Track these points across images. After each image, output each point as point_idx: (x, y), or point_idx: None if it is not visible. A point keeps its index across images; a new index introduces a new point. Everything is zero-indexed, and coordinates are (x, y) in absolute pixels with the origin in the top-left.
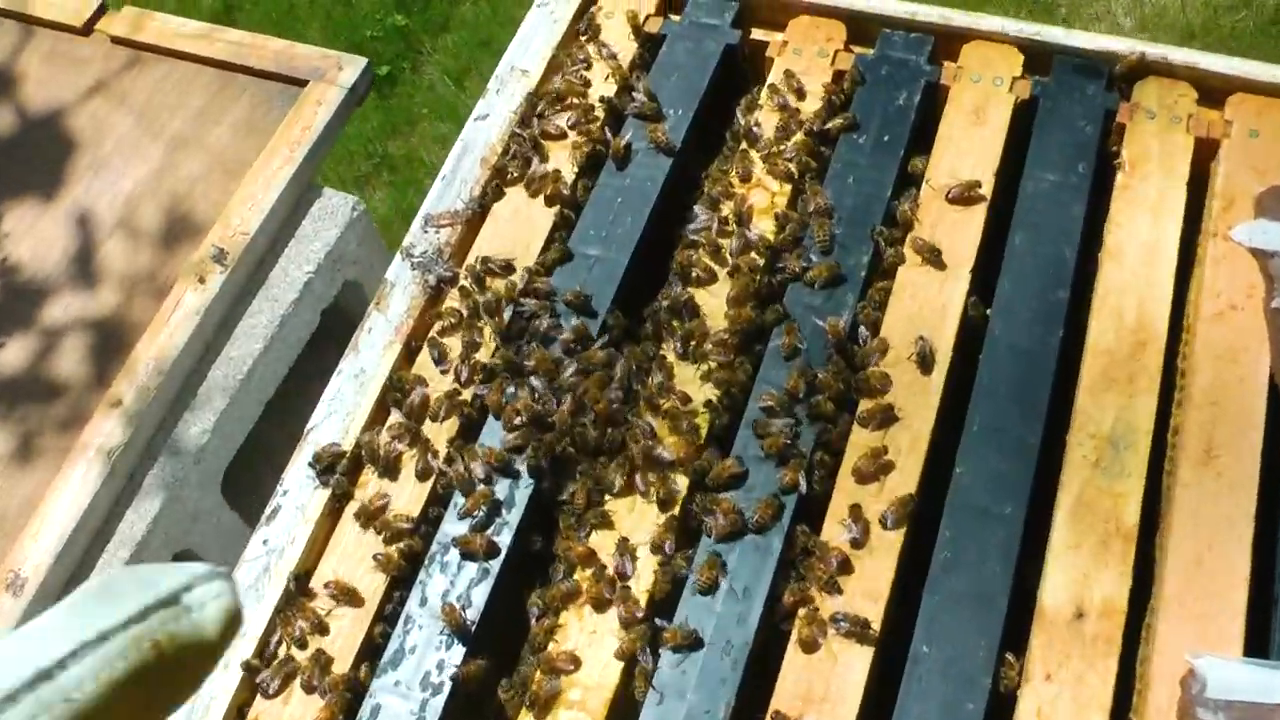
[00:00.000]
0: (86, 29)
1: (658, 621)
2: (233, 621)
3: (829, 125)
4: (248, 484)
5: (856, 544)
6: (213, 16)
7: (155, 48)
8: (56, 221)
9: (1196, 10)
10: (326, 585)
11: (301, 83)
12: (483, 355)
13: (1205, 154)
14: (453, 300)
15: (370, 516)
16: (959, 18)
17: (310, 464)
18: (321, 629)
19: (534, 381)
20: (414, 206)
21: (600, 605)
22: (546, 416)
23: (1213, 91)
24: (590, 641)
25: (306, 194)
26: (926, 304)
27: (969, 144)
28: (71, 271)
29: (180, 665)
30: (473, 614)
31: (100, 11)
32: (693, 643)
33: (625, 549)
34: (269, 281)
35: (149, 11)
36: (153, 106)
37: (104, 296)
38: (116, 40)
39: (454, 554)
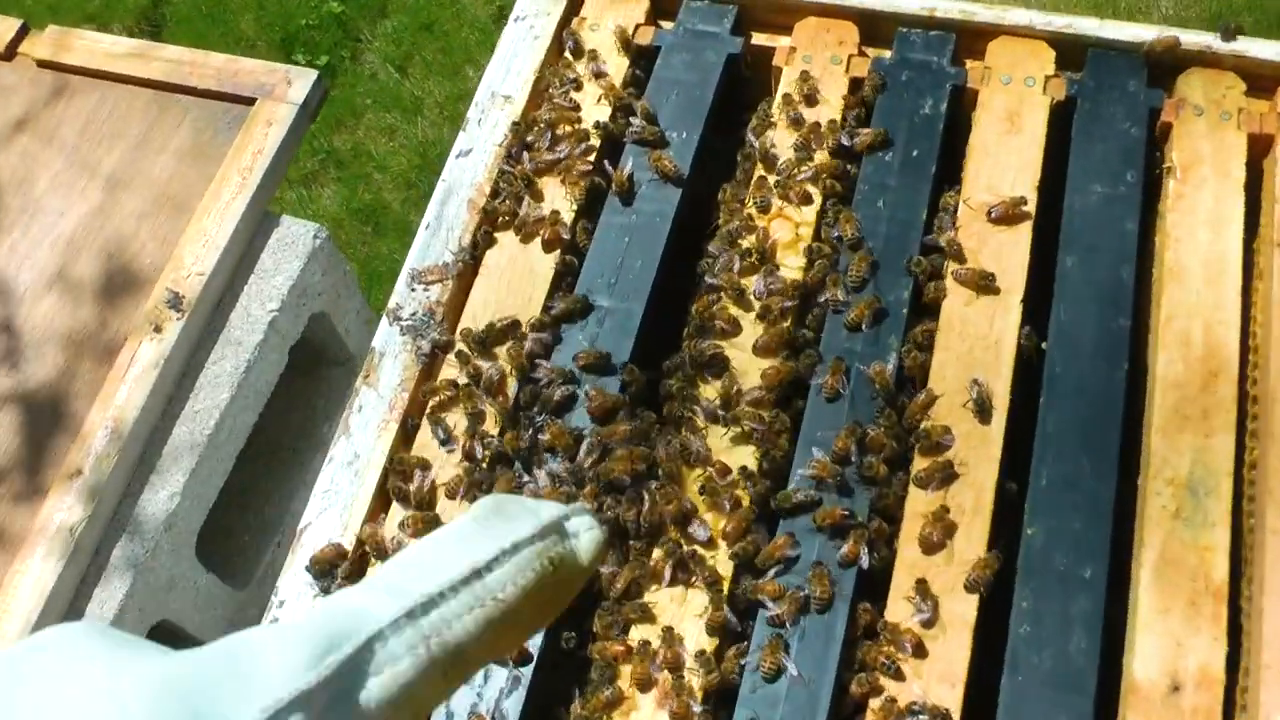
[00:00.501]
0: (9, 53)
1: None
2: (601, 551)
3: (855, 141)
4: (220, 538)
5: (928, 624)
6: (139, 11)
7: (85, 70)
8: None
9: None
10: None
11: (249, 101)
12: (490, 426)
13: (1258, 152)
14: (450, 368)
15: None
16: (982, 12)
17: (307, 568)
18: None
19: (552, 465)
20: (365, 203)
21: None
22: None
23: (1261, 80)
24: None
25: (264, 224)
26: (977, 341)
27: (1005, 155)
28: (8, 332)
29: (561, 583)
30: None
31: (23, 33)
32: None
33: (672, 641)
34: (230, 324)
35: (75, 30)
36: (87, 138)
37: (49, 357)
38: (43, 64)
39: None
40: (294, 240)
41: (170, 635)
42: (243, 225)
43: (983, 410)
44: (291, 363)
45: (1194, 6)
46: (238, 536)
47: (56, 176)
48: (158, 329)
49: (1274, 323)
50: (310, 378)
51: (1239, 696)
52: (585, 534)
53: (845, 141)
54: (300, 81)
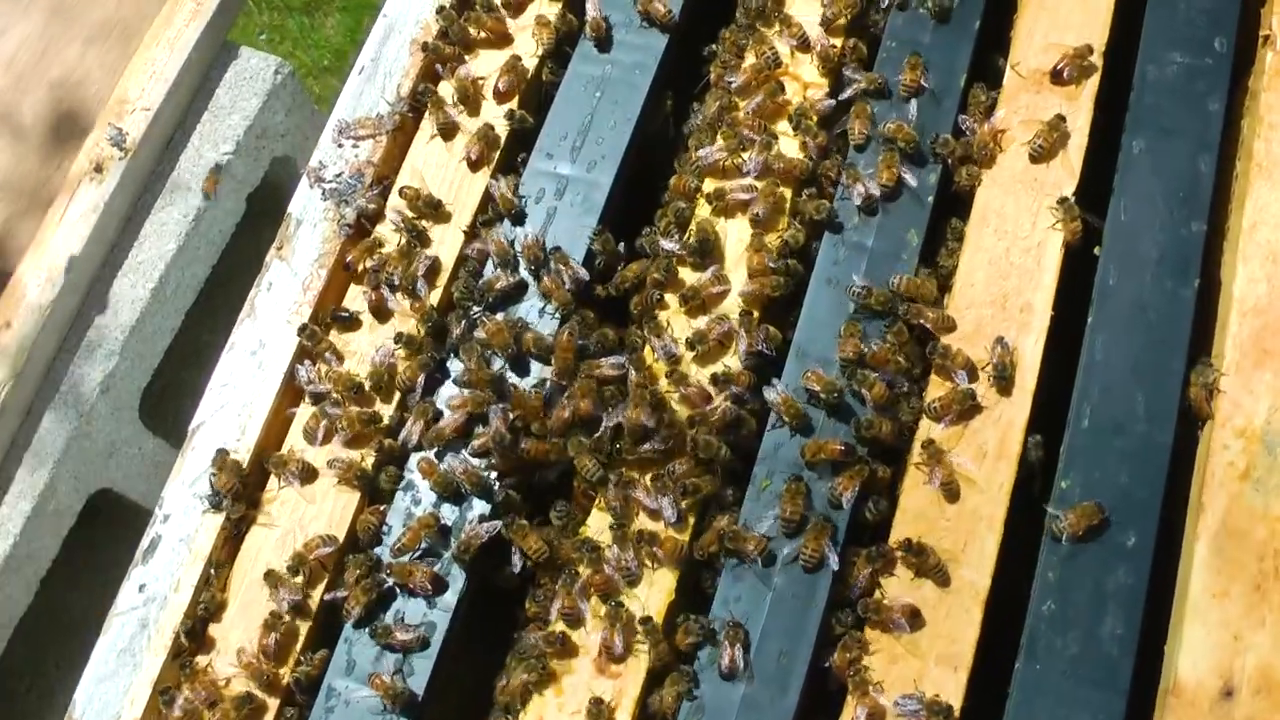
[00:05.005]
0: None
1: None
2: None
3: None
4: (172, 400)
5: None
6: None
7: None
8: None
9: None
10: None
11: None
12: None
13: None
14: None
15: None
16: None
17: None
18: (215, 704)
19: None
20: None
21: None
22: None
23: None
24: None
25: (220, 56)
26: (1016, 242)
27: (1065, 9)
28: None
29: None
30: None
31: None
32: None
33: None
34: (179, 167)
35: None
36: None
37: None
38: None
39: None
40: (253, 75)
41: (115, 505)
42: (196, 56)
43: (1003, 378)
44: (252, 211)
45: None
46: (194, 399)
47: None
48: (99, 169)
49: None
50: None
51: None
52: None
53: None
54: None
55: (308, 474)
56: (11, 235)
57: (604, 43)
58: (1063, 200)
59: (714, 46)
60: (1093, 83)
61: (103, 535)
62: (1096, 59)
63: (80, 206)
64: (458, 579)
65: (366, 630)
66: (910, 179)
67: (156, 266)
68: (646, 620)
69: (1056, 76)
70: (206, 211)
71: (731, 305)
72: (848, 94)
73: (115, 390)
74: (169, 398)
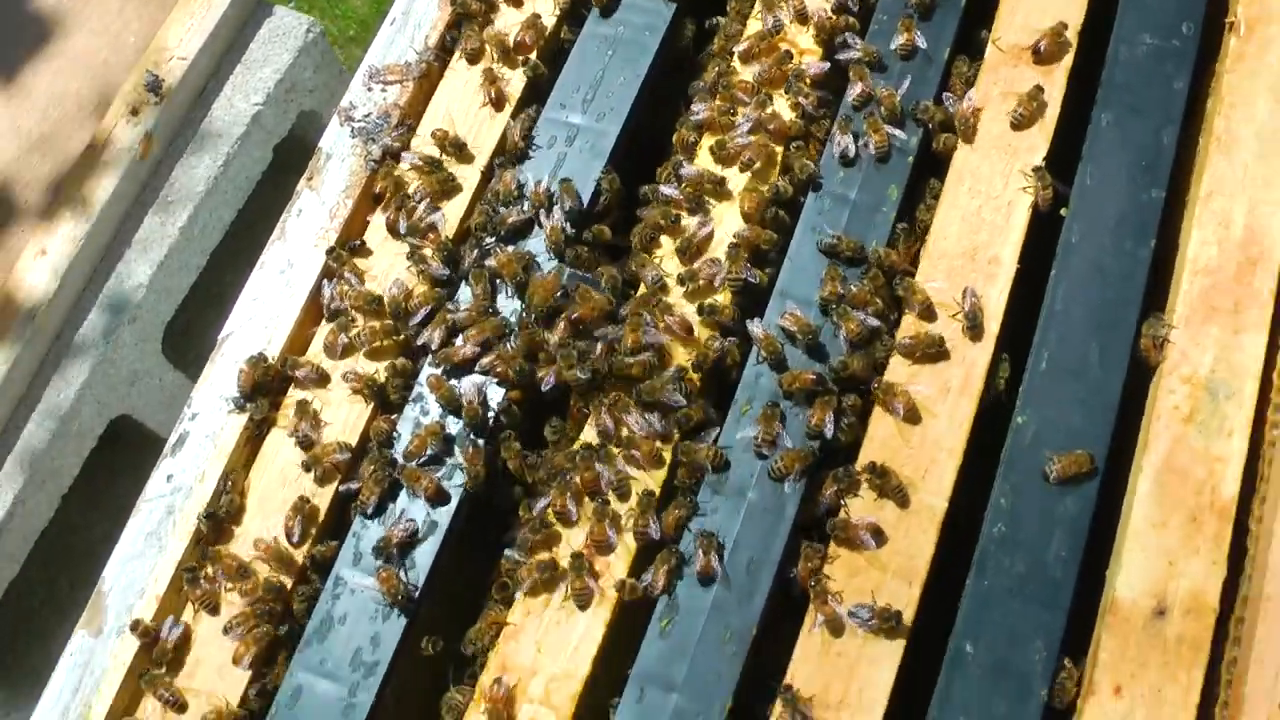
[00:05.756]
0: None
1: None
2: None
3: None
4: (196, 339)
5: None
6: None
7: None
8: None
9: None
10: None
11: None
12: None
13: None
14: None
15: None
16: None
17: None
18: (241, 574)
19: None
20: None
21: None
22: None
23: None
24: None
25: (255, 13)
26: (988, 200)
27: None
28: None
29: None
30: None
31: None
32: None
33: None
34: (211, 114)
35: None
36: None
37: (26, 125)
38: None
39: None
40: (286, 32)
41: (132, 430)
42: (232, 10)
43: (974, 326)
44: (279, 161)
45: None
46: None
47: None
48: (134, 112)
49: None
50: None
51: (1232, 628)
52: None
53: None
54: None
55: (324, 380)
56: (54, 145)
57: (616, 6)
58: (1037, 169)
59: (718, 19)
60: (1068, 59)
61: (121, 461)
62: (1072, 36)
63: (116, 146)
64: (459, 487)
65: (376, 522)
66: (896, 139)
67: (185, 207)
68: (649, 494)
69: (1035, 53)
70: (235, 158)
71: (722, 249)
72: (843, 57)
73: (141, 321)
74: (191, 334)
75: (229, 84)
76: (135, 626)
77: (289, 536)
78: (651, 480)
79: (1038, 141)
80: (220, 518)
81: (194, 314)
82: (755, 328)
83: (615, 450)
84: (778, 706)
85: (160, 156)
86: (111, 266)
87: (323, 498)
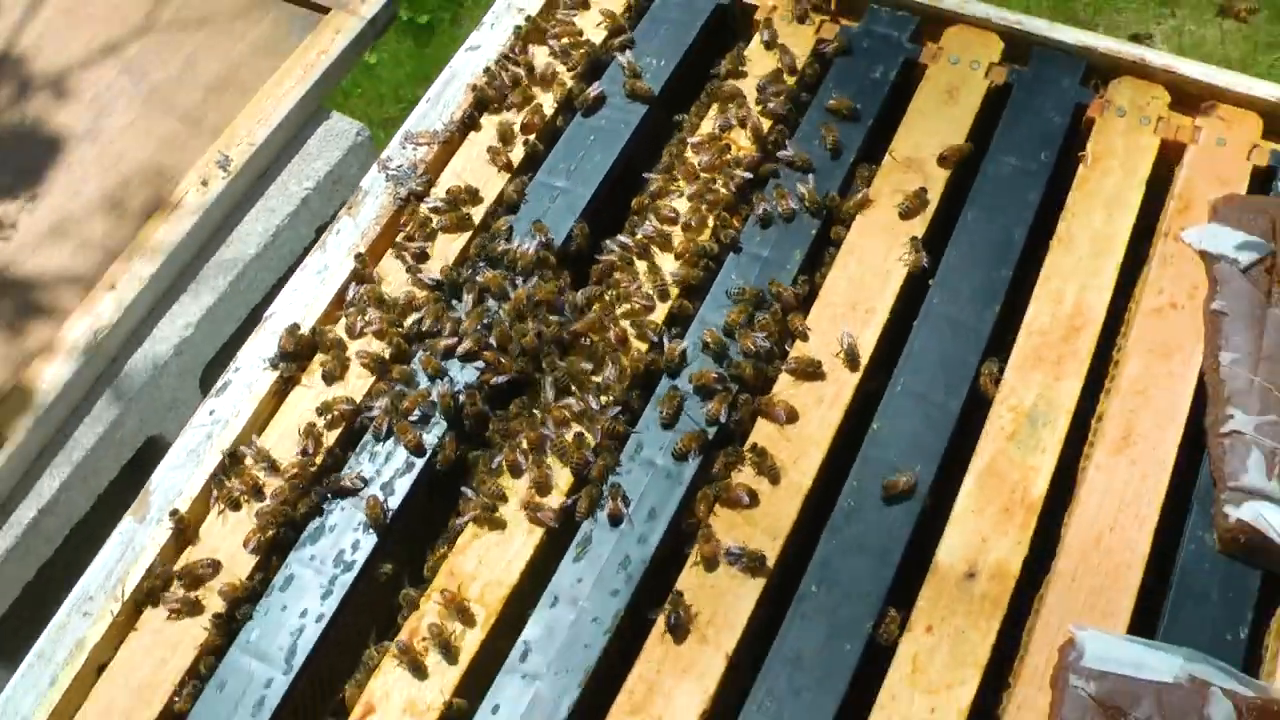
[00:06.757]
0: None
1: None
2: None
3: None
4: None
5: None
6: None
7: None
8: (80, 103)
9: (1235, 44)
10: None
11: (324, 10)
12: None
13: (1172, 157)
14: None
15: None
16: (948, 0)
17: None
18: (256, 493)
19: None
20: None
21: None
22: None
23: (1187, 98)
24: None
25: (315, 115)
26: (870, 269)
27: (938, 120)
28: (89, 153)
29: None
30: (394, 502)
31: None
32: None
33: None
34: (268, 193)
35: None
36: (182, 16)
37: (112, 184)
38: None
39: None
40: (339, 134)
41: (160, 450)
42: (296, 111)
43: (852, 359)
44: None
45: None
46: None
47: (147, 42)
48: (205, 183)
49: (1146, 298)
50: None
51: (1036, 602)
52: None
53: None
54: (371, 0)
55: (342, 350)
56: (134, 202)
57: (601, 104)
58: (913, 239)
59: (681, 116)
60: (945, 173)
61: (140, 475)
62: (954, 157)
63: (186, 207)
64: (433, 442)
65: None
66: (800, 206)
67: (236, 266)
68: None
69: (940, 160)
70: (283, 231)
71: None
72: (781, 155)
73: (186, 356)
74: (216, 371)
75: (286, 170)
76: (173, 514)
77: (303, 453)
78: (588, 439)
79: (917, 227)
80: (240, 454)
81: (226, 355)
82: (678, 344)
83: (556, 414)
84: (665, 607)
85: (220, 223)
86: (168, 307)
87: (329, 437)
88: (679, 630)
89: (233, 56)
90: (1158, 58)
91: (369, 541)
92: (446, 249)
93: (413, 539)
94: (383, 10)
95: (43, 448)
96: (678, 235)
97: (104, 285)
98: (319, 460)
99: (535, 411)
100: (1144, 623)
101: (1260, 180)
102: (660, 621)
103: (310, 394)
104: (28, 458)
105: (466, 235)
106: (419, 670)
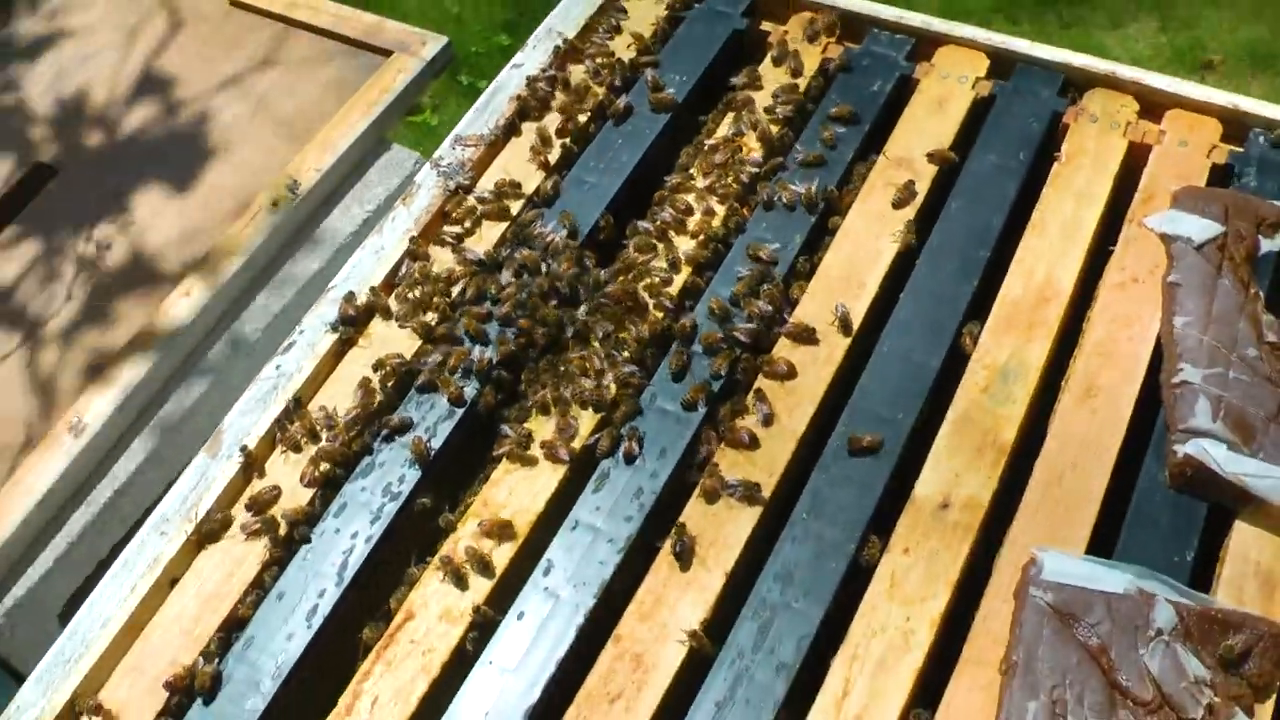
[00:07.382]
0: None
1: None
2: None
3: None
4: None
5: (766, 422)
6: None
7: (268, 12)
8: (169, 134)
9: None
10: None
11: (387, 53)
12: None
13: (1139, 158)
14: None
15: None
16: (938, 23)
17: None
18: (313, 437)
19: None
20: None
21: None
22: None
23: (1155, 107)
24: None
25: (377, 147)
26: (863, 249)
27: (927, 126)
28: (174, 171)
29: None
30: (435, 443)
31: None
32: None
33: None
34: (332, 215)
35: None
36: (257, 60)
37: (193, 200)
38: (234, 3)
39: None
40: (398, 163)
41: None
42: (360, 142)
43: (845, 326)
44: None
45: None
46: None
47: (227, 83)
48: (275, 204)
49: (1111, 274)
50: None
51: (1004, 533)
52: None
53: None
54: (432, 43)
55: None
56: (213, 216)
57: (629, 114)
58: (907, 222)
59: (702, 118)
60: (933, 170)
61: None
62: (940, 157)
63: (255, 225)
64: (472, 394)
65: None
66: (799, 195)
67: (304, 277)
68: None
69: (929, 158)
70: (343, 250)
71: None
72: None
73: (252, 358)
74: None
75: (349, 195)
76: (243, 449)
77: (358, 401)
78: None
79: (907, 216)
80: (302, 402)
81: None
82: (686, 317)
83: (579, 364)
84: (671, 535)
85: (286, 240)
86: (238, 314)
87: (382, 389)
88: (684, 555)
89: (303, 95)
90: (1128, 71)
91: (414, 475)
92: (488, 234)
93: (451, 481)
94: (440, 53)
95: (121, 432)
96: (692, 222)
97: (180, 291)
98: (374, 404)
99: (562, 365)
100: (1101, 551)
101: (1219, 177)
102: (666, 547)
103: (366, 354)
104: (105, 444)
105: (506, 223)
106: (459, 580)
